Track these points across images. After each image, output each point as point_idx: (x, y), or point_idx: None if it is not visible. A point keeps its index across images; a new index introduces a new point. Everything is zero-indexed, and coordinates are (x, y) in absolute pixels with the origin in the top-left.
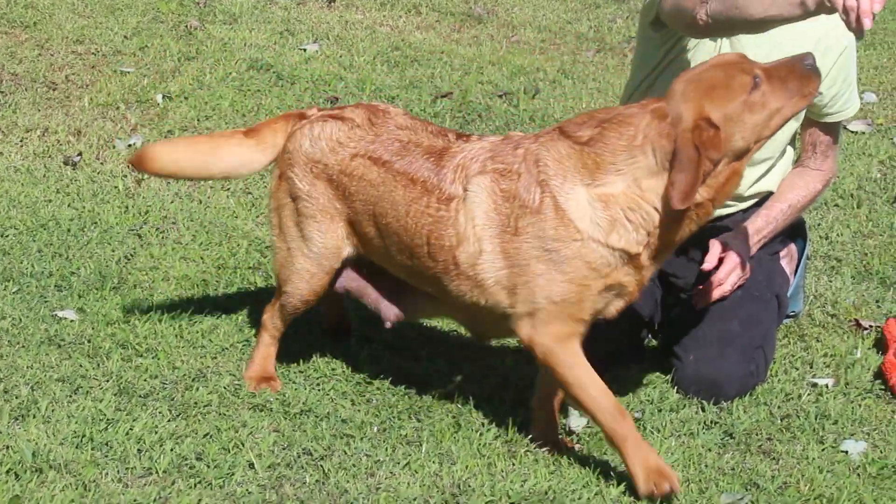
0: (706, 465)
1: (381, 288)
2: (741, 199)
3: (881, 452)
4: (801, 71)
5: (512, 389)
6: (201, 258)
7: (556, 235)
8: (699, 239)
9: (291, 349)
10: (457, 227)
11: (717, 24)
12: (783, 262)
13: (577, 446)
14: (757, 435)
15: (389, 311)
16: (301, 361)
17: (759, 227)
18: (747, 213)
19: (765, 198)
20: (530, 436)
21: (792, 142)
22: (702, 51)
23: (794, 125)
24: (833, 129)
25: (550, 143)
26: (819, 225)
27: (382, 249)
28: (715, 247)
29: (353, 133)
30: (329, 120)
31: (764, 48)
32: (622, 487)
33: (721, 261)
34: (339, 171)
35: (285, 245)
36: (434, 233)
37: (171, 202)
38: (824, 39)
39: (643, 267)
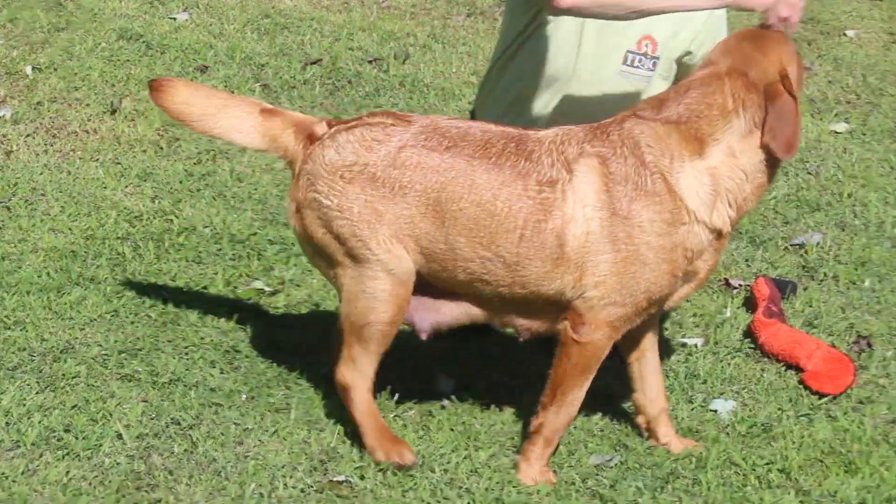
0: (575, 427)
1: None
2: None
3: (750, 411)
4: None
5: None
6: (70, 229)
7: (669, 219)
8: None
9: (158, 319)
10: (563, 209)
11: (578, 13)
12: None
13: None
14: (626, 395)
15: (424, 323)
16: (169, 330)
17: None
18: None
19: None
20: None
21: None
22: (566, 19)
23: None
24: None
25: (642, 125)
26: None
27: (441, 242)
28: None
29: (390, 130)
30: (354, 128)
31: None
32: (490, 451)
33: None
34: (387, 165)
35: (347, 279)
36: (533, 215)
37: (41, 174)
38: None
39: (722, 247)
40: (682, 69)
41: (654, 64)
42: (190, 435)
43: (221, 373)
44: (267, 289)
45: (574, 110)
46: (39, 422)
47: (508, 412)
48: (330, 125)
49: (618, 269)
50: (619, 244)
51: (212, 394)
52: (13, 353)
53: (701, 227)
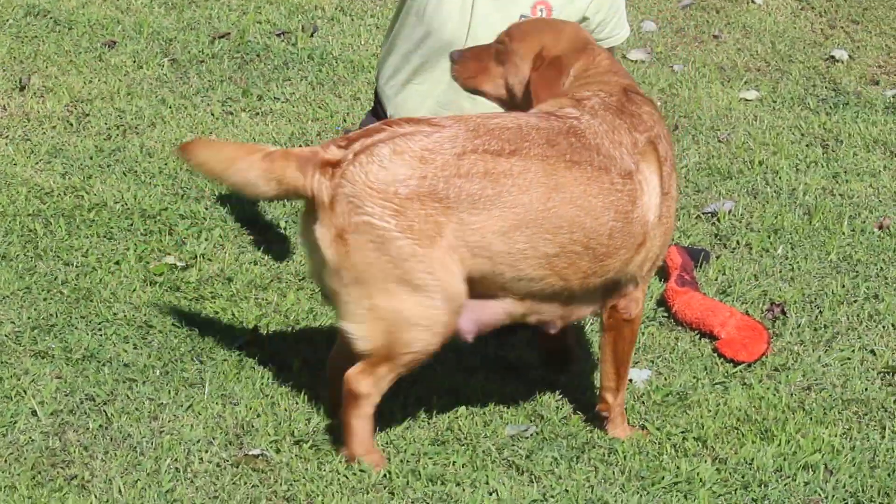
0: (489, 398)
1: None
2: None
3: (665, 379)
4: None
5: (292, 330)
6: None
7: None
8: None
9: (71, 295)
10: (643, 198)
11: None
12: None
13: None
14: (538, 366)
15: (469, 325)
16: (82, 306)
17: None
18: None
19: None
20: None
21: None
22: None
23: None
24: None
25: (645, 103)
26: None
27: (514, 246)
28: None
29: (439, 137)
30: (395, 138)
31: None
32: (405, 424)
33: None
34: (450, 175)
35: (393, 307)
36: (622, 208)
37: None
38: None
39: None
40: None
41: None
42: (104, 411)
43: (135, 348)
44: (179, 264)
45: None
46: None
47: (422, 385)
48: (341, 144)
49: (660, 244)
50: (664, 220)
51: (126, 369)
52: None
53: None
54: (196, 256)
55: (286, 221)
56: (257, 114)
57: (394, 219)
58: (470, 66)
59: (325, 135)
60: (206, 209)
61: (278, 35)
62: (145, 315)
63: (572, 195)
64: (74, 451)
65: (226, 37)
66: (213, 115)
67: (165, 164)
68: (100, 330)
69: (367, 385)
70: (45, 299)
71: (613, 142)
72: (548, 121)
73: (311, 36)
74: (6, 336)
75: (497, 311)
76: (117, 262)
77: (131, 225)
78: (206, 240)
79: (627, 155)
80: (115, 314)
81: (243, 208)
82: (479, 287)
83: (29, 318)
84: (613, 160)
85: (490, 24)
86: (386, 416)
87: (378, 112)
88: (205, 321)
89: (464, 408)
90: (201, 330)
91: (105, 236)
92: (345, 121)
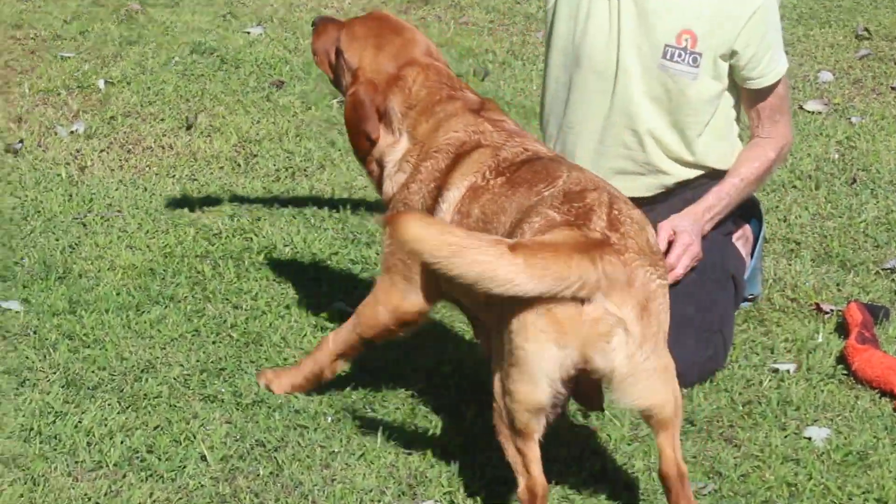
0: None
1: None
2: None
3: (845, 438)
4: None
5: (466, 379)
6: (147, 247)
7: None
8: (656, 223)
9: (240, 339)
10: None
11: None
12: (738, 244)
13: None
14: (718, 422)
15: None
16: (252, 351)
17: (711, 204)
18: (697, 191)
19: (712, 176)
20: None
21: (737, 120)
22: (595, 10)
23: (723, 97)
24: (766, 94)
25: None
26: (777, 207)
27: None
28: (663, 229)
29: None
30: (618, 200)
31: (674, 2)
32: (582, 476)
33: (671, 244)
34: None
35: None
36: None
37: (116, 190)
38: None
39: None
40: (736, 74)
41: (696, 60)
42: (275, 457)
43: (306, 394)
44: (349, 309)
45: (625, 107)
46: (122, 442)
47: None
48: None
49: None
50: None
51: (296, 415)
52: (93, 371)
53: None
54: None
55: None
56: None
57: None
58: (321, 41)
59: None
60: (377, 254)
61: None
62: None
63: None
64: (245, 498)
65: None
66: None
67: (335, 208)
68: None
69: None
70: (213, 342)
71: None
72: None
73: (483, 80)
74: (175, 379)
75: None
76: (287, 307)
77: (301, 269)
78: None
79: None
80: (284, 359)
81: None
82: None
83: (198, 361)
84: None
85: (640, 53)
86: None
87: None
88: (375, 368)
89: (640, 463)
90: (372, 377)
91: (274, 280)
92: None
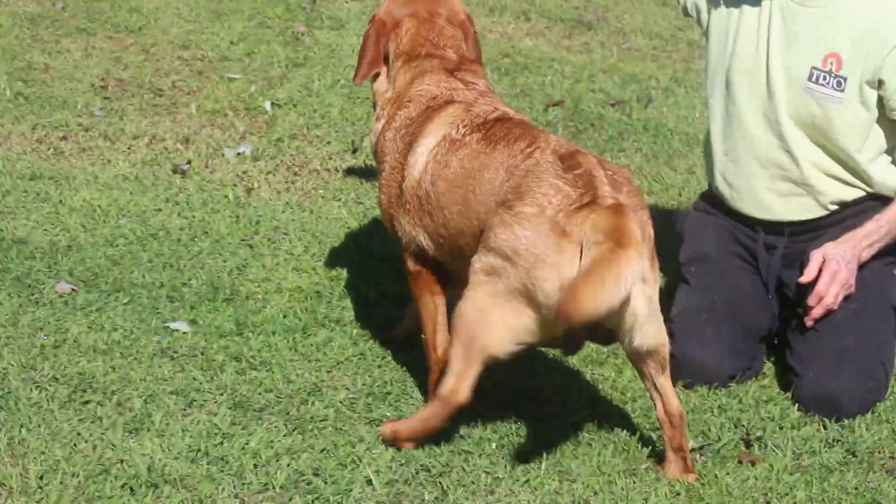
0: (828, 485)
1: None
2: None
3: None
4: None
5: (630, 405)
6: (314, 269)
7: None
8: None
9: (406, 363)
10: None
11: None
12: None
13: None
14: (880, 453)
15: None
16: (416, 375)
17: (869, 231)
18: (859, 217)
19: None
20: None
21: (890, 151)
22: (743, 32)
23: (876, 126)
24: None
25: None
26: None
27: None
28: (814, 258)
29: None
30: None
31: (821, 26)
32: None
33: (821, 271)
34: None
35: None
36: None
37: (283, 212)
38: (883, 26)
39: None
40: (886, 106)
41: (840, 84)
42: (440, 482)
43: (471, 420)
44: None
45: (776, 128)
46: (288, 465)
47: None
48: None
49: None
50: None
51: (461, 441)
52: (260, 394)
53: None
54: None
55: None
56: None
57: None
58: None
59: (660, 207)
60: None
61: (612, 105)
62: (481, 386)
63: None
64: None
65: (560, 105)
66: None
67: None
68: None
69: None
70: (380, 366)
71: None
72: None
73: (646, 107)
74: (341, 402)
75: None
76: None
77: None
78: None
79: None
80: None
81: None
82: None
83: (364, 384)
84: None
85: (787, 75)
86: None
87: (712, 194)
88: (541, 396)
89: (802, 493)
90: (537, 404)
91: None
92: (680, 195)
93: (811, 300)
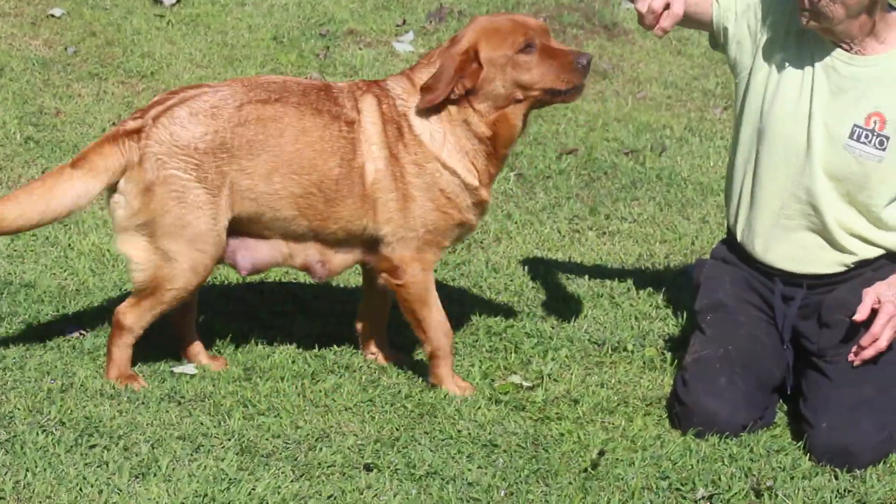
0: None
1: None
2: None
3: None
4: (570, 63)
5: (641, 453)
6: (323, 314)
7: (418, 159)
8: (837, 303)
9: (414, 410)
10: (361, 147)
11: None
12: None
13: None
14: None
15: (245, 262)
16: (426, 422)
17: None
18: (878, 272)
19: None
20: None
21: None
22: (786, 82)
23: None
24: None
25: (398, 79)
26: None
27: (274, 186)
28: (868, 297)
29: (224, 94)
30: (187, 101)
31: (866, 84)
32: None
33: (874, 312)
34: (234, 125)
35: (165, 249)
36: (346, 155)
37: None
38: None
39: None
40: None
41: (882, 143)
42: None
43: (479, 467)
44: (525, 383)
45: (807, 182)
46: None
47: None
48: (136, 116)
49: (406, 211)
50: (398, 183)
51: (469, 488)
52: (267, 439)
53: (441, 166)
54: (542, 376)
55: (633, 345)
56: (604, 233)
57: (194, 172)
58: None
59: (673, 258)
60: (553, 328)
61: (626, 153)
62: (490, 433)
63: (312, 139)
64: None
65: (573, 153)
66: (559, 232)
67: (511, 281)
68: (443, 446)
69: (132, 319)
70: (387, 413)
71: (347, 96)
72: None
73: (660, 155)
74: (349, 448)
75: (267, 251)
76: (462, 378)
77: (476, 341)
78: (553, 359)
79: (351, 106)
80: (458, 431)
81: (589, 329)
82: (248, 227)
83: (372, 431)
84: (342, 110)
85: (827, 130)
86: None
87: (732, 241)
88: (550, 442)
89: None
90: (546, 451)
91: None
92: (693, 244)
93: (864, 340)
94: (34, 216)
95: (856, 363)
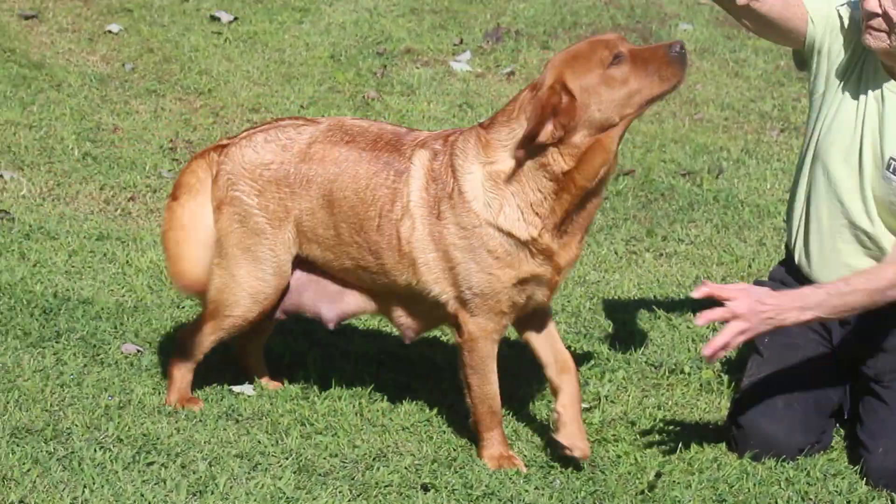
0: None
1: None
2: None
3: None
4: (666, 56)
5: (698, 476)
6: (380, 334)
7: (463, 222)
8: (889, 325)
9: (472, 431)
10: (400, 200)
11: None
12: None
13: None
14: None
15: (330, 313)
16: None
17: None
18: None
19: None
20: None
21: None
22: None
23: None
24: None
25: (471, 130)
26: None
27: (331, 230)
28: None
29: (306, 129)
30: (273, 128)
31: None
32: None
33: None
34: (298, 161)
35: (228, 272)
36: (385, 206)
37: None
38: None
39: (550, 251)
40: None
41: None
42: None
43: (536, 489)
44: (583, 405)
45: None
46: None
47: None
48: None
49: (451, 271)
50: (440, 244)
51: None
52: (325, 458)
53: (493, 229)
54: (599, 398)
55: (690, 367)
56: (661, 255)
57: (254, 197)
58: None
59: (730, 279)
60: (610, 349)
61: (683, 175)
62: (548, 455)
63: (359, 186)
64: None
65: (630, 174)
66: (616, 253)
67: (568, 302)
68: (501, 468)
69: (193, 343)
70: (445, 432)
71: (410, 146)
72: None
73: (717, 177)
74: (406, 468)
75: (353, 302)
76: (519, 400)
77: (532, 362)
78: (610, 381)
79: (407, 156)
80: (516, 452)
81: (646, 351)
82: (329, 273)
83: (429, 450)
84: (397, 159)
85: (874, 158)
86: None
87: (790, 263)
88: (607, 464)
89: None
90: (603, 472)
91: (506, 371)
92: (750, 266)
93: None
94: (200, 259)
95: None
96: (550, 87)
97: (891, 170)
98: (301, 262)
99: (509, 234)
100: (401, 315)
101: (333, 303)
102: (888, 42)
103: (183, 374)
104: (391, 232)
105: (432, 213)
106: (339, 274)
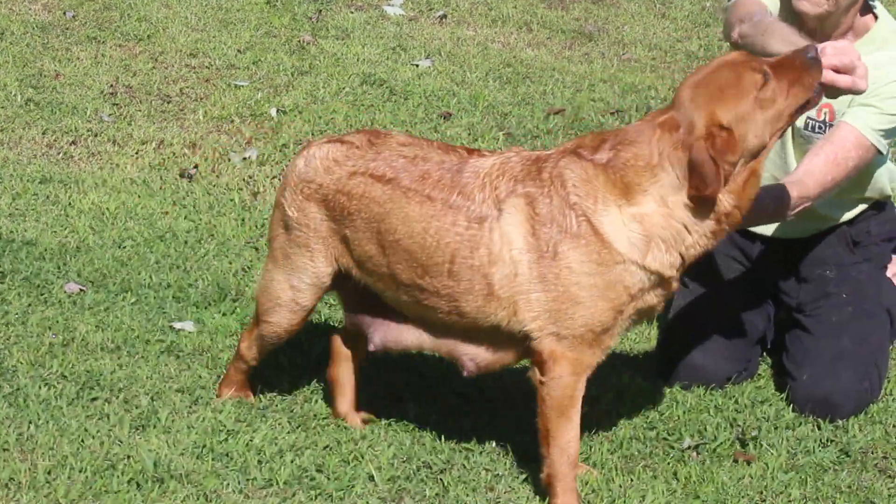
0: (822, 483)
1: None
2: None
3: None
4: (805, 63)
5: (628, 405)
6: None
7: (598, 259)
8: (815, 258)
9: (407, 364)
10: (484, 247)
11: (745, 45)
12: (894, 279)
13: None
14: (873, 453)
15: (375, 336)
16: (415, 378)
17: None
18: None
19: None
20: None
21: None
22: None
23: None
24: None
25: (573, 164)
26: None
27: (383, 268)
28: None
29: (351, 152)
30: (337, 142)
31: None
32: None
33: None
34: (336, 190)
35: (270, 274)
36: (460, 252)
37: None
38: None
39: (672, 286)
40: None
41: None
42: (441, 479)
43: (472, 418)
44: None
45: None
46: (292, 461)
47: None
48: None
49: (559, 305)
50: (547, 282)
51: (463, 438)
52: (264, 392)
53: (636, 267)
54: None
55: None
56: None
57: (295, 211)
58: None
59: None
60: None
61: (612, 113)
62: (480, 387)
63: (413, 229)
64: None
65: (560, 113)
66: None
67: None
68: (433, 400)
69: (244, 345)
70: (379, 366)
71: (481, 187)
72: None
73: (645, 115)
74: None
75: (407, 334)
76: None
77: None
78: None
79: (484, 200)
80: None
81: None
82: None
83: (364, 382)
84: (466, 203)
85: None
86: None
87: None
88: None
89: (796, 491)
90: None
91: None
92: None
93: None
94: None
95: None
96: (709, 132)
97: (809, 128)
98: None
99: (656, 273)
100: (465, 354)
101: (383, 328)
102: (825, 6)
103: (236, 373)
104: (472, 277)
105: (544, 255)
106: (395, 306)
